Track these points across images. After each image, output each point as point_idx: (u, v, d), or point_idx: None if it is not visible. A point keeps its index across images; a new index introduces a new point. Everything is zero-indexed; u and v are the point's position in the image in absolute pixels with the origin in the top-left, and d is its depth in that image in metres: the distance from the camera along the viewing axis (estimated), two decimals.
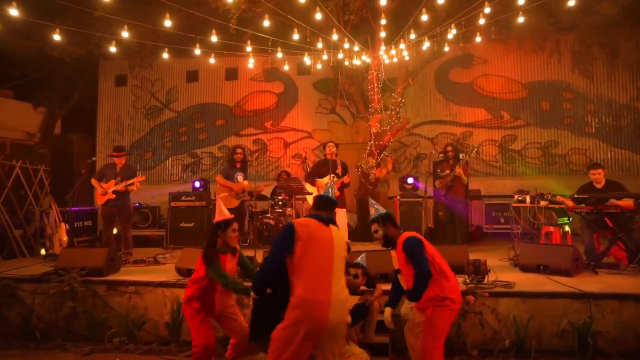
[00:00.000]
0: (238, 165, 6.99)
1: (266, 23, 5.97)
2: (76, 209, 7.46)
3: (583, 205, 5.88)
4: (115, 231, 6.93)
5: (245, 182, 7.09)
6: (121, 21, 6.48)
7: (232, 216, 3.90)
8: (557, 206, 6.14)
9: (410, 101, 10.62)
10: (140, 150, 11.64)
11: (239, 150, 6.99)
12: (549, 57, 9.96)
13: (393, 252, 3.74)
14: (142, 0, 6.65)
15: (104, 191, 6.73)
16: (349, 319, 2.95)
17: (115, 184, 6.73)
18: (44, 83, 11.30)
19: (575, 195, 5.89)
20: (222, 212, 3.87)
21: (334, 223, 3.22)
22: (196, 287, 3.85)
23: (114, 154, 7.13)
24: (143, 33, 7.83)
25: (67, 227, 6.99)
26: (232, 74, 11.41)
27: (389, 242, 3.70)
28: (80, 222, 7.88)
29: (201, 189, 9.28)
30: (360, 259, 4.28)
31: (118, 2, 7.22)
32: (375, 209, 3.75)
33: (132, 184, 6.78)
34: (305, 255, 2.91)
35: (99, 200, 6.86)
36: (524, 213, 6.79)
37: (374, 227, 3.72)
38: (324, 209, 3.28)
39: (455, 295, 3.46)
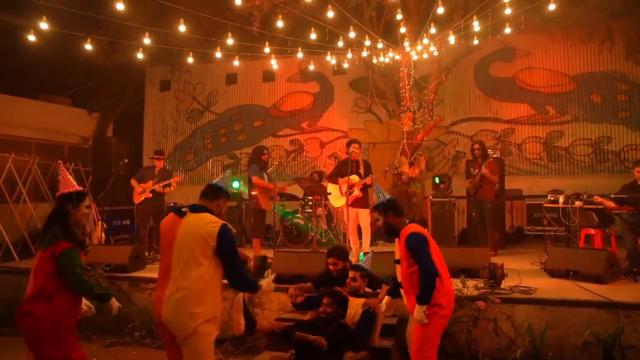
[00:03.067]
0: (262, 166, 7.09)
1: (279, 24, 5.99)
2: (111, 208, 7.89)
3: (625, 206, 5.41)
4: None
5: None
6: (156, 31, 6.82)
7: (81, 188, 3.09)
8: (593, 207, 5.67)
9: (448, 98, 10.27)
10: (182, 152, 12.11)
11: (266, 151, 7.09)
12: (599, 46, 9.21)
13: (396, 241, 3.51)
14: (173, 10, 6.96)
15: (142, 190, 7.14)
16: (191, 323, 2.61)
17: (153, 184, 7.12)
18: (98, 90, 12.08)
19: (612, 195, 5.42)
20: (71, 183, 3.03)
21: (199, 210, 2.84)
22: (41, 299, 2.81)
23: (155, 156, 7.55)
24: (178, 41, 8.16)
25: (104, 225, 7.40)
26: (269, 76, 11.58)
27: (390, 231, 3.47)
28: (119, 221, 8.32)
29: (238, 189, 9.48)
30: (362, 262, 4.17)
31: (151, 15, 7.62)
32: (378, 195, 3.55)
33: (169, 184, 7.15)
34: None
35: (137, 199, 7.27)
36: (561, 214, 6.34)
37: (374, 215, 3.54)
38: (203, 195, 2.95)
39: (446, 301, 3.22)
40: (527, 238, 8.60)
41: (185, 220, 2.79)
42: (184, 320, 2.64)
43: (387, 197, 3.53)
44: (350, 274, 4.07)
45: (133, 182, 7.29)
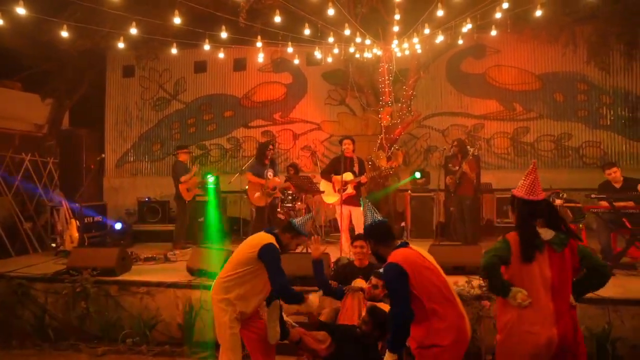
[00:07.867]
0: (267, 162, 6.96)
1: (277, 19, 5.83)
2: (87, 204, 7.52)
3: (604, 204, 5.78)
4: None
5: (277, 179, 7.06)
6: (128, 16, 6.41)
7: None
8: (572, 205, 6.03)
9: (421, 92, 10.43)
10: (148, 142, 11.59)
11: (272, 147, 6.99)
12: (563, 48, 9.68)
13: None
14: None
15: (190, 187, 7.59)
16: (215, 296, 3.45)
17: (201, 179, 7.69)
18: (53, 74, 11.22)
19: (593, 196, 5.79)
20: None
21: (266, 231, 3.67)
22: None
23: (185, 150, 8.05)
24: (151, 26, 7.71)
25: (78, 223, 7.01)
26: (240, 65, 11.26)
27: (380, 260, 3.10)
28: (91, 218, 7.89)
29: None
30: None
31: None
32: (366, 217, 3.20)
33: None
34: None
35: (189, 196, 7.58)
36: None
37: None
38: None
39: (447, 340, 2.77)
40: (497, 230, 8.98)
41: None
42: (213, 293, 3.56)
43: (373, 219, 3.13)
44: (373, 280, 4.00)
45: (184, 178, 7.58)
